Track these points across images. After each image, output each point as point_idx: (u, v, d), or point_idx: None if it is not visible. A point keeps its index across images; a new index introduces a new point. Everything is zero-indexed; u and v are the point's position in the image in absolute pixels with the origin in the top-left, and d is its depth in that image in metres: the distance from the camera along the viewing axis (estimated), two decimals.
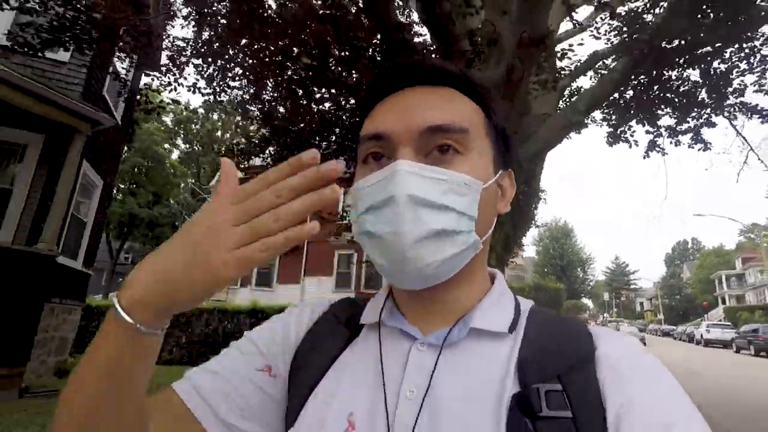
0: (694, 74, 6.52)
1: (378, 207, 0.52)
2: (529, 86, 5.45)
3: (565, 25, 9.42)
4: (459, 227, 0.51)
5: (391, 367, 0.54)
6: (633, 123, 6.82)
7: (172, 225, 29.47)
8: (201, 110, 32.67)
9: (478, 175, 0.53)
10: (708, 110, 6.60)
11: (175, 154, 34.24)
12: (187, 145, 35.63)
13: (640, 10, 6.10)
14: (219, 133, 33.40)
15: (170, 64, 7.54)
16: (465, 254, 0.53)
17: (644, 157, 7.25)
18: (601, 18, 6.86)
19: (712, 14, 5.65)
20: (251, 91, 7.42)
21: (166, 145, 32.12)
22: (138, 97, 8.85)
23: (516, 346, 0.52)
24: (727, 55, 6.28)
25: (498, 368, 0.51)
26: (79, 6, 5.38)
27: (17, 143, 6.77)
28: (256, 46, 5.98)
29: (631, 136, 6.87)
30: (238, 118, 7.63)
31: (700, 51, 6.19)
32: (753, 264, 50.60)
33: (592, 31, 6.21)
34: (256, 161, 8.59)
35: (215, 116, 33.02)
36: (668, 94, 6.40)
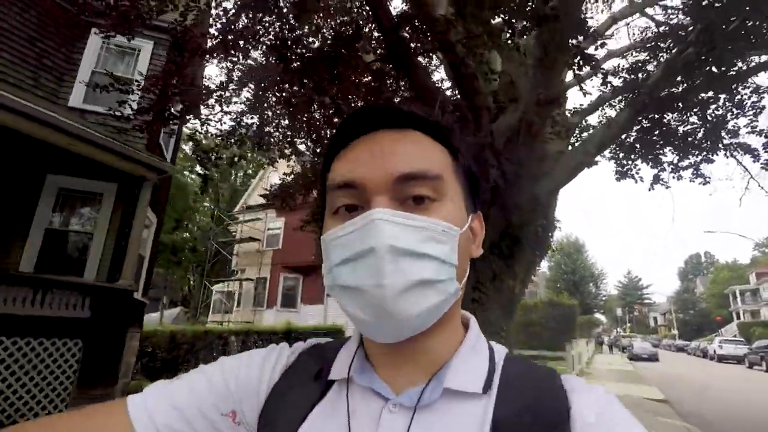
0: (693, 117, 7.35)
1: (356, 259, 0.50)
2: (545, 135, 6.31)
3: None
4: (440, 276, 0.50)
5: (362, 429, 0.52)
6: (638, 162, 7.64)
7: (192, 249, 30.49)
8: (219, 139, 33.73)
9: (454, 222, 0.53)
10: (705, 150, 7.40)
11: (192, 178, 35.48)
12: (206, 171, 36.72)
13: (639, 67, 6.98)
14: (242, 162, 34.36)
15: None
16: (446, 303, 0.52)
17: (649, 190, 8.04)
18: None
19: (704, 70, 6.51)
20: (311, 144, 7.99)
21: (186, 172, 33.36)
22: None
23: (490, 407, 0.51)
24: (721, 102, 7.11)
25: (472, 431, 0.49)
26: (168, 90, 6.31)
27: (95, 192, 7.72)
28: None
29: (637, 173, 7.69)
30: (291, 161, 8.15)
31: (696, 98, 7.03)
32: (767, 279, 50.51)
33: (600, 89, 7.05)
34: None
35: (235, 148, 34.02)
36: (669, 137, 7.23)
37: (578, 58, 4.66)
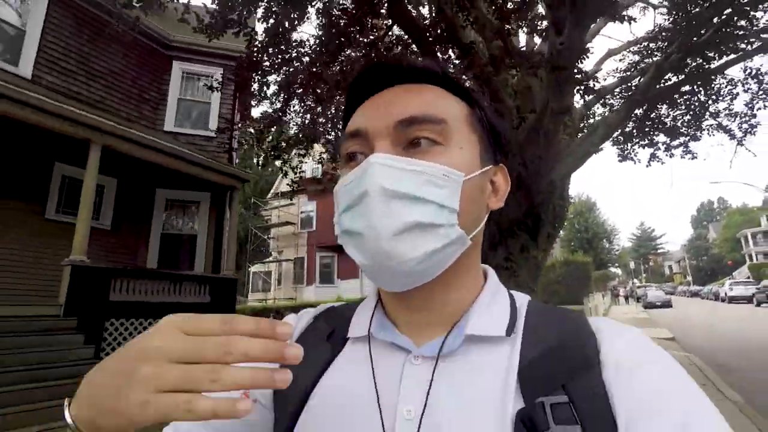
0: (680, 106, 8.88)
1: (355, 204, 0.51)
2: (560, 136, 7.92)
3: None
4: (438, 220, 0.49)
5: (385, 384, 0.51)
6: (636, 147, 9.21)
7: None
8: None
9: (459, 167, 0.51)
10: (691, 131, 8.94)
11: None
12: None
13: (632, 68, 8.50)
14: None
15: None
16: (449, 250, 0.51)
17: (647, 166, 9.63)
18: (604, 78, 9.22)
19: (687, 71, 8.04)
20: None
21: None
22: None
23: (515, 351, 0.50)
24: (702, 93, 8.62)
25: (498, 379, 0.48)
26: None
27: (194, 201, 9.55)
28: None
29: (635, 155, 9.27)
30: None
31: (680, 91, 8.57)
32: None
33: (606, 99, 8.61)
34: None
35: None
36: (660, 124, 8.78)
37: (582, 90, 6.26)
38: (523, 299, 0.58)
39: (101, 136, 6.92)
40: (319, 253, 22.81)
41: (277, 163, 9.71)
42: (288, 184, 8.58)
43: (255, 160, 10.94)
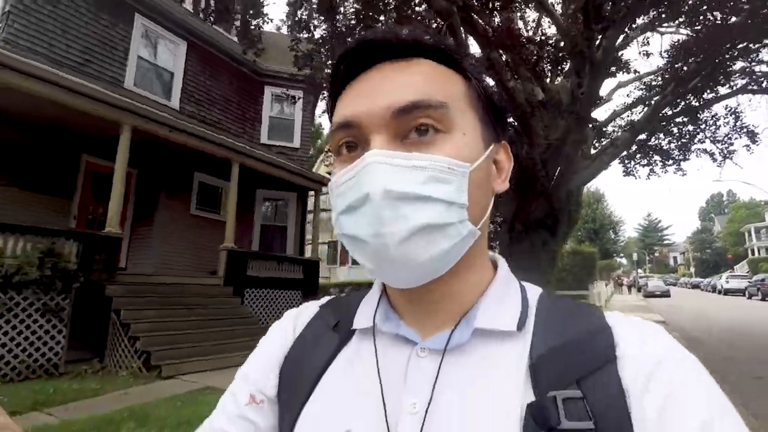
0: (673, 135, 11.25)
1: (355, 207, 0.47)
2: (578, 157, 10.32)
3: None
4: (448, 219, 0.46)
5: (390, 377, 0.49)
6: (637, 166, 11.61)
7: None
8: None
9: (464, 156, 0.48)
10: (681, 154, 11.30)
11: None
12: None
13: (633, 104, 10.87)
14: None
15: None
16: (460, 246, 0.48)
17: (647, 179, 12.01)
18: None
19: (679, 108, 10.40)
20: None
21: None
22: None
23: (526, 346, 0.47)
24: (691, 126, 10.98)
25: (508, 373, 0.46)
26: None
27: (284, 199, 12.09)
28: None
29: (636, 172, 11.69)
30: None
31: (672, 123, 10.94)
32: None
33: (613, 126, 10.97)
34: None
35: None
36: (655, 149, 11.16)
37: (595, 130, 8.67)
38: (534, 292, 0.55)
39: (236, 154, 9.44)
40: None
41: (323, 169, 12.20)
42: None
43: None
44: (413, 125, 0.47)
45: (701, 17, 8.30)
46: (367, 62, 0.51)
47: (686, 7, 8.07)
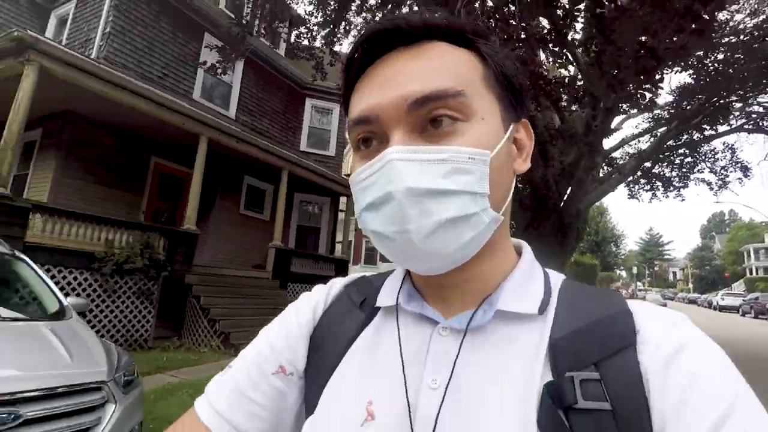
0: (674, 165, 12.42)
1: (378, 204, 0.48)
2: (588, 179, 11.49)
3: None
4: (472, 209, 0.46)
5: (412, 353, 0.51)
6: (641, 190, 12.79)
7: None
8: None
9: (484, 143, 0.48)
10: (681, 183, 12.48)
11: None
12: None
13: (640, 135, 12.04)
14: None
15: None
16: (485, 233, 0.49)
17: (649, 202, 13.18)
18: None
19: (681, 141, 11.57)
20: None
21: None
22: None
23: (547, 329, 0.48)
24: (690, 157, 12.14)
25: (527, 354, 0.47)
26: None
27: (319, 203, 13.29)
28: None
29: (640, 196, 12.86)
30: None
31: (674, 155, 12.11)
32: None
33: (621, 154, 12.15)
34: None
35: None
36: (658, 176, 12.34)
37: (606, 159, 9.84)
38: (557, 278, 0.56)
39: (287, 163, 10.63)
40: (365, 237, 26.62)
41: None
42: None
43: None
44: (430, 117, 0.47)
45: (704, 69, 9.45)
46: (380, 51, 0.51)
47: (692, 60, 9.22)
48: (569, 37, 8.38)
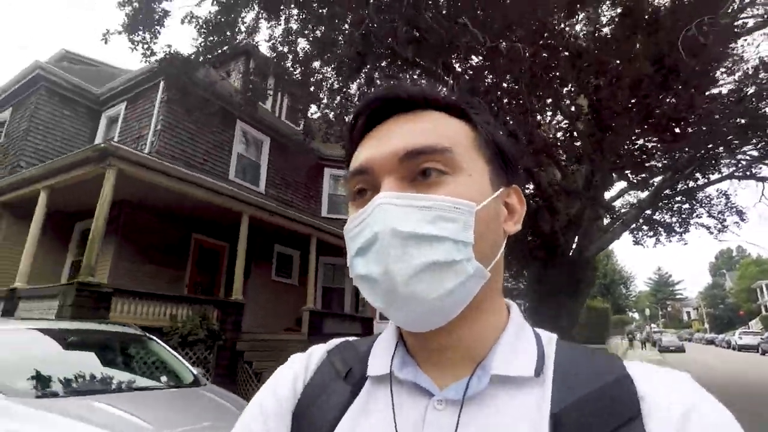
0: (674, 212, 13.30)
1: (366, 248, 0.49)
2: (594, 228, 12.33)
3: None
4: (454, 256, 0.47)
5: (408, 428, 0.49)
6: (644, 237, 13.61)
7: None
8: None
9: (470, 195, 0.50)
10: (682, 229, 13.30)
11: None
12: None
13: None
14: None
15: None
16: (469, 285, 0.49)
17: (653, 247, 13.95)
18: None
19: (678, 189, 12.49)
20: None
21: None
22: None
23: (546, 394, 0.48)
24: (689, 204, 13.04)
25: (528, 423, 0.46)
26: None
27: (342, 265, 14.11)
28: None
29: (644, 242, 13.67)
30: None
31: (672, 202, 13.00)
32: None
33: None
34: None
35: None
36: (658, 223, 13.20)
37: (607, 211, 10.75)
38: (549, 337, 0.55)
39: (314, 230, 11.56)
40: None
41: None
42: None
43: None
44: (420, 169, 0.50)
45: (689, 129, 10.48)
46: (381, 117, 0.55)
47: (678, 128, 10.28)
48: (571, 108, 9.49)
